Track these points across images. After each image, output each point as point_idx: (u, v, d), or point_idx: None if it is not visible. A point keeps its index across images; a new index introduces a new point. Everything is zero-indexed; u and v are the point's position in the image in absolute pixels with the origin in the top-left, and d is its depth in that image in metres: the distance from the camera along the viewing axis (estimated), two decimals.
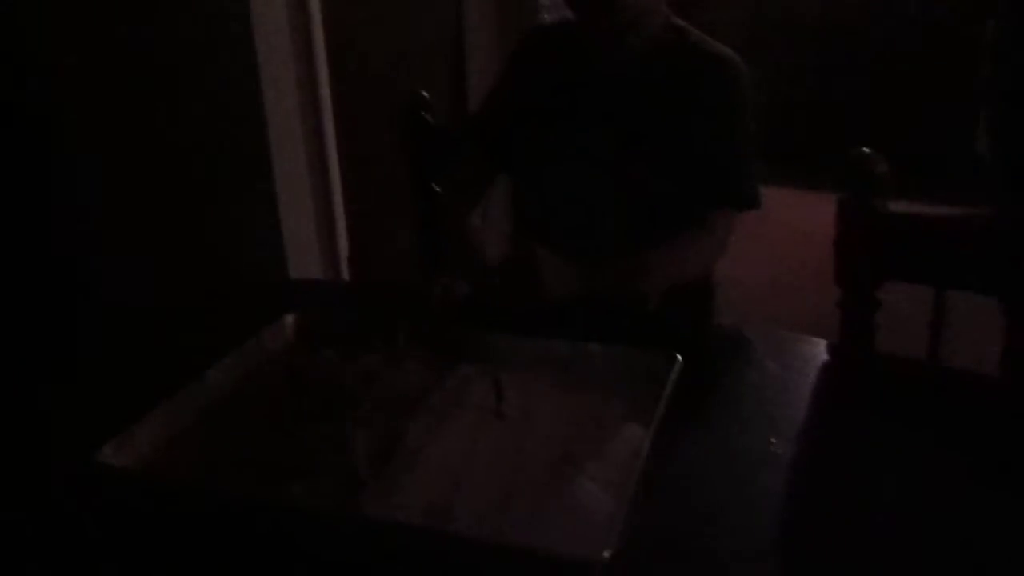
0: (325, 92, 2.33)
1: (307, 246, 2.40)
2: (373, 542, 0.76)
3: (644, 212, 1.34)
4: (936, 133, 3.96)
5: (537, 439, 0.87)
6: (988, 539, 0.80)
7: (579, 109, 1.36)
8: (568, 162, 1.37)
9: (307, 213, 2.39)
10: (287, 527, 0.78)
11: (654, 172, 1.32)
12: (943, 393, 1.06)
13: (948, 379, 1.09)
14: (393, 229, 2.36)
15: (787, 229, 3.78)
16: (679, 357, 0.95)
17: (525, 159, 1.44)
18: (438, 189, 1.58)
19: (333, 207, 2.48)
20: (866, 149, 1.12)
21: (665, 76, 1.33)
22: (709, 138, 1.32)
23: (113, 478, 0.84)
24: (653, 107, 1.33)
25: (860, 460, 0.92)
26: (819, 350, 1.12)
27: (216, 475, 0.85)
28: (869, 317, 1.14)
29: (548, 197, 1.41)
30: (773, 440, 0.94)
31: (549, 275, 1.33)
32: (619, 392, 0.94)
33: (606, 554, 0.68)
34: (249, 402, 0.96)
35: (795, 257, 3.48)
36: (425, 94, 1.56)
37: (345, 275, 2.49)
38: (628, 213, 1.34)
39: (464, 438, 0.88)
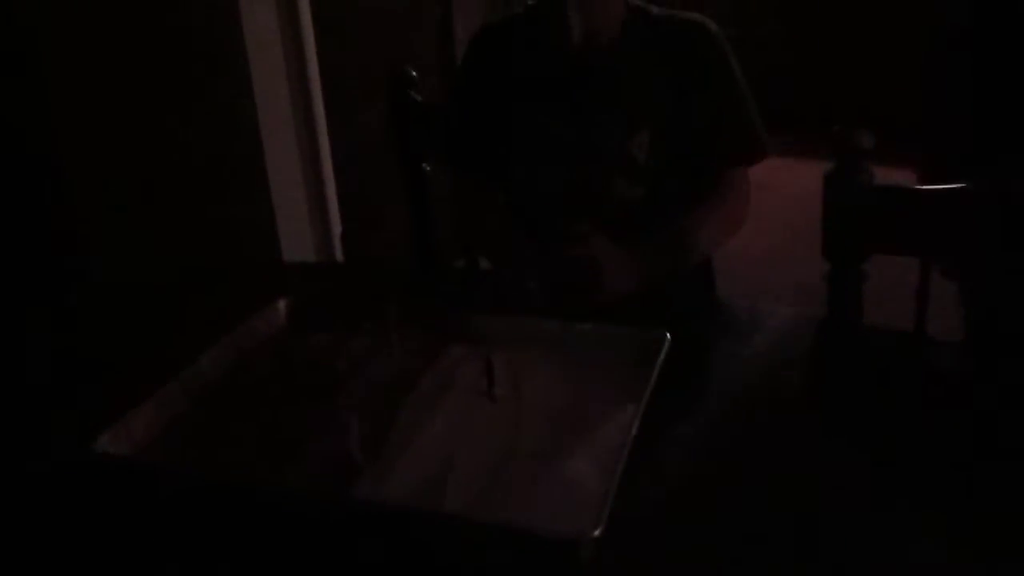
0: (314, 70, 2.32)
1: (299, 225, 2.40)
2: (366, 524, 0.77)
3: (654, 195, 1.33)
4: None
5: (528, 419, 0.88)
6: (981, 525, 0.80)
7: (564, 103, 1.34)
8: (565, 159, 1.34)
9: (299, 192, 2.40)
10: (282, 511, 0.79)
11: (657, 151, 1.31)
12: (928, 366, 1.08)
13: (933, 351, 1.10)
14: (386, 206, 2.36)
15: (781, 197, 3.79)
16: (668, 336, 0.96)
17: (517, 164, 1.40)
18: (427, 167, 1.58)
19: (324, 185, 2.48)
20: (852, 124, 1.12)
21: (645, 53, 1.32)
22: (706, 101, 1.32)
23: (111, 467, 0.85)
24: (641, 87, 1.32)
25: (848, 438, 0.93)
26: (806, 323, 1.13)
27: (212, 462, 0.86)
28: (856, 290, 1.15)
29: (551, 198, 1.38)
30: (761, 413, 0.95)
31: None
32: (609, 371, 0.95)
33: (595, 533, 0.69)
34: (242, 387, 0.97)
35: (790, 225, 3.48)
36: (412, 71, 1.55)
37: (338, 253, 2.50)
38: (637, 198, 1.33)
39: (456, 420, 0.89)
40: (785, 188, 3.85)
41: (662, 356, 0.93)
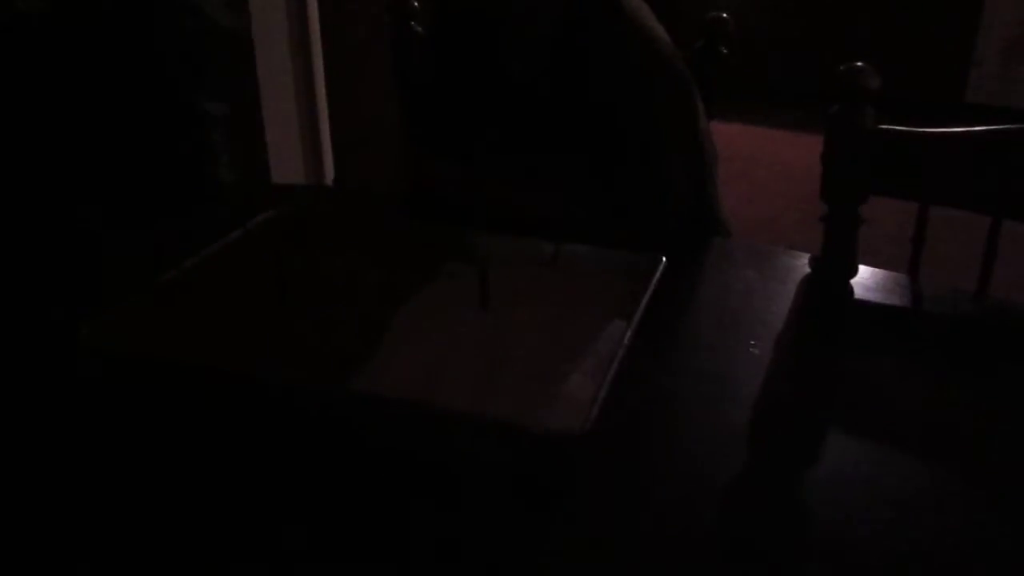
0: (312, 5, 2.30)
1: (293, 172, 2.38)
2: (359, 418, 0.77)
3: None
4: (929, 82, 3.97)
5: (521, 329, 0.88)
6: (948, 435, 0.82)
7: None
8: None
9: (293, 135, 2.37)
10: (274, 404, 0.79)
11: None
12: (918, 304, 1.08)
13: (924, 292, 1.11)
14: (381, 148, 2.34)
15: (774, 169, 3.80)
16: (663, 258, 0.96)
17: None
18: None
19: (319, 129, 2.46)
20: (859, 63, 1.11)
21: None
22: None
23: (101, 357, 0.84)
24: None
25: (834, 363, 0.94)
26: (800, 262, 1.13)
27: (203, 353, 0.85)
28: (852, 232, 1.15)
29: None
30: (752, 343, 0.96)
31: None
32: (603, 290, 0.95)
33: (583, 429, 0.69)
34: (234, 288, 0.96)
35: (782, 195, 3.50)
36: (414, 1, 1.53)
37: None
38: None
39: (449, 327, 0.88)
40: (781, 159, 3.87)
41: (656, 276, 0.92)
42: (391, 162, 1.77)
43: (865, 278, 1.09)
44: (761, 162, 3.87)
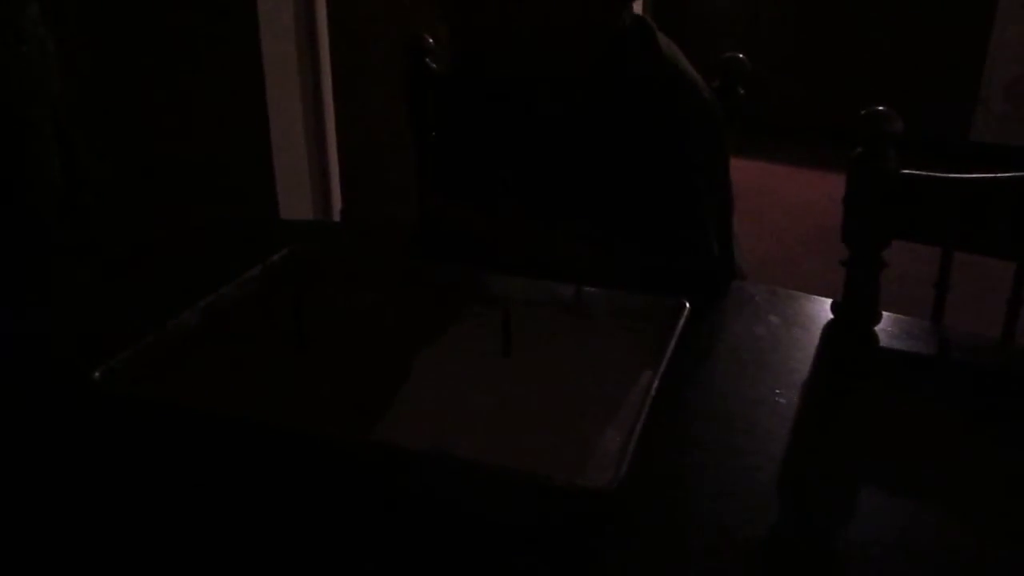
0: (323, 31, 2.30)
1: (300, 202, 2.37)
2: (378, 469, 0.75)
3: None
4: (934, 120, 3.98)
5: (545, 377, 0.86)
6: (979, 488, 0.80)
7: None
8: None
9: (302, 166, 2.37)
10: (290, 453, 0.77)
11: None
12: (944, 352, 1.06)
13: (949, 339, 1.09)
14: (390, 181, 2.33)
15: (785, 204, 3.80)
16: (687, 303, 0.94)
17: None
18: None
19: (328, 160, 2.45)
20: (881, 107, 1.10)
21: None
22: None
23: (113, 399, 0.82)
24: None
25: (861, 412, 0.93)
26: (823, 307, 1.11)
27: (218, 401, 0.83)
28: (875, 277, 1.13)
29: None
30: (777, 391, 0.94)
31: None
32: (626, 335, 0.93)
33: (616, 484, 0.67)
34: (250, 331, 0.95)
35: (792, 231, 3.49)
36: (429, 38, 1.53)
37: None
38: None
39: (472, 372, 0.87)
40: (789, 195, 3.87)
41: (682, 322, 0.90)
42: (400, 197, 1.76)
43: (889, 325, 1.07)
44: (770, 198, 3.87)
